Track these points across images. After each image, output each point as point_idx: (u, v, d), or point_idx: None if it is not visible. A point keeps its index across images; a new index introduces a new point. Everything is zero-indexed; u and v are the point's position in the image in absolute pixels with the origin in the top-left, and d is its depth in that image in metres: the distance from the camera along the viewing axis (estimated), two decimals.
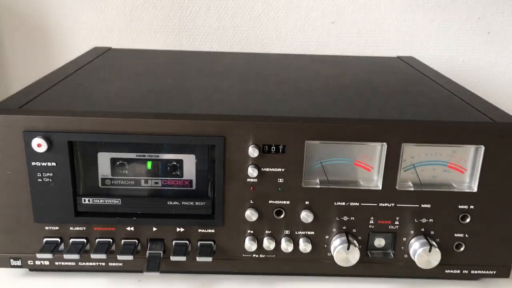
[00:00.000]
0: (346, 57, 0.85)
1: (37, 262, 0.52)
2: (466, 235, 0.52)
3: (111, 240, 0.51)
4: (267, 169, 0.49)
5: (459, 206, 0.51)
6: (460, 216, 0.51)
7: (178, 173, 0.51)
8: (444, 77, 0.70)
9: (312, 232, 0.52)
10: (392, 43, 1.00)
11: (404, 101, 0.57)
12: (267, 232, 0.52)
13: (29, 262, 0.52)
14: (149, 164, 0.51)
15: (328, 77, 0.68)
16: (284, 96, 0.57)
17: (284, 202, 0.50)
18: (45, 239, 0.51)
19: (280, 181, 0.50)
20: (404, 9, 0.98)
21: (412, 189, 0.50)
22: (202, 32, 0.99)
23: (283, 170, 0.49)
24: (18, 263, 0.52)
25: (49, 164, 0.48)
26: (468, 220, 0.51)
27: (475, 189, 0.50)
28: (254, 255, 0.52)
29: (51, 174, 0.49)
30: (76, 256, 0.50)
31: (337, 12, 0.99)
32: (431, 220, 0.51)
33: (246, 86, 0.61)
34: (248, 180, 0.49)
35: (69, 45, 0.97)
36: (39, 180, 0.49)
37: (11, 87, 0.98)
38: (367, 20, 0.99)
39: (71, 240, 0.51)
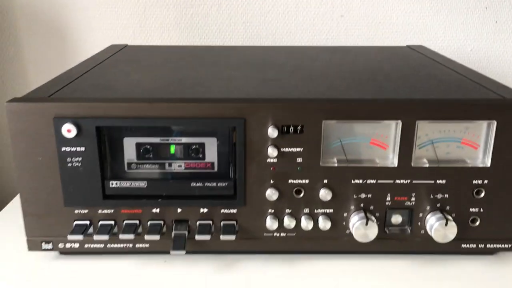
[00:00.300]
0: (356, 47, 0.87)
1: (68, 245, 0.54)
2: (481, 210, 0.53)
3: (138, 222, 0.53)
4: (286, 149, 0.51)
5: (473, 181, 0.52)
6: (475, 191, 0.52)
7: (201, 156, 0.53)
8: (454, 62, 0.71)
9: (331, 210, 0.53)
10: (400, 34, 1.02)
11: (416, 83, 0.59)
12: (287, 211, 0.53)
13: (59, 245, 0.54)
14: (172, 148, 0.53)
15: (340, 64, 0.70)
16: (300, 82, 0.59)
17: (303, 181, 0.52)
18: (75, 222, 0.53)
19: (299, 160, 0.51)
20: (411, 1, 1.00)
21: (427, 165, 0.52)
22: (214, 29, 1.02)
23: (301, 150, 0.51)
24: (49, 246, 0.54)
25: (78, 149, 0.50)
26: (482, 194, 0.53)
27: (488, 164, 0.51)
28: (275, 234, 0.54)
29: (80, 159, 0.51)
30: (106, 237, 0.52)
31: (346, 5, 1.00)
32: (446, 195, 0.53)
33: (262, 74, 0.63)
34: (268, 160, 0.51)
35: (84, 44, 1.00)
36: (69, 165, 0.51)
37: (30, 87, 1.01)
38: (375, 12, 1.01)
39: (100, 222, 0.53)
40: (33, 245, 0.54)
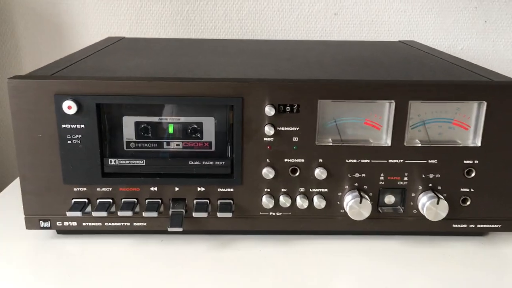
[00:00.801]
0: (350, 41, 0.89)
1: (65, 223, 0.55)
2: (472, 190, 0.55)
3: (135, 200, 0.54)
4: (283, 128, 0.52)
5: (464, 161, 0.54)
6: (466, 170, 0.54)
7: (199, 135, 0.54)
8: (446, 53, 0.73)
9: (326, 190, 0.54)
10: (393, 32, 1.04)
11: (409, 69, 0.60)
12: (283, 190, 0.54)
13: (57, 223, 0.55)
14: (170, 127, 0.54)
15: (334, 54, 0.71)
16: (296, 67, 0.61)
17: (299, 160, 0.53)
18: (73, 200, 0.54)
19: (295, 139, 0.53)
20: (403, 0, 1.02)
21: (419, 145, 0.53)
22: (210, 26, 1.03)
23: (297, 129, 0.52)
24: (47, 224, 0.55)
25: (78, 126, 0.51)
26: (473, 174, 0.54)
27: (478, 144, 0.53)
28: (271, 213, 0.55)
29: (80, 136, 0.52)
30: (104, 214, 0.53)
31: (339, 4, 1.02)
32: (438, 175, 0.54)
33: (259, 61, 0.64)
34: (264, 139, 0.53)
35: (81, 39, 1.01)
36: (69, 142, 0.52)
37: None
38: (368, 11, 1.03)
39: (98, 200, 0.54)
40: (31, 223, 0.55)
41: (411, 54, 0.72)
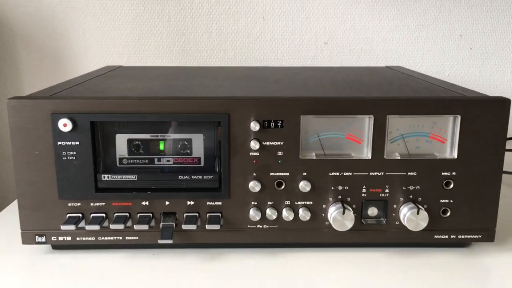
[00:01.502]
0: (337, 68, 0.92)
1: (60, 238, 0.57)
2: (451, 201, 0.57)
3: (128, 214, 0.56)
4: (268, 143, 0.55)
5: (442, 173, 0.56)
6: (444, 182, 0.56)
7: (188, 151, 0.57)
8: (430, 76, 0.76)
9: (311, 202, 0.57)
10: (381, 60, 1.08)
11: (389, 89, 0.63)
12: (269, 203, 0.57)
13: (52, 238, 0.57)
14: (161, 144, 0.57)
15: (321, 78, 0.75)
16: (281, 88, 0.64)
17: (284, 173, 0.56)
18: (68, 215, 0.56)
19: (280, 154, 0.55)
20: (390, 29, 1.07)
21: (399, 157, 0.55)
22: (205, 55, 1.07)
23: (282, 143, 0.55)
24: (43, 239, 0.57)
25: (73, 143, 0.54)
26: (451, 186, 0.56)
27: (455, 156, 0.55)
28: (258, 226, 0.57)
29: (74, 153, 0.54)
30: (97, 227, 0.55)
31: (329, 33, 1.07)
32: (418, 187, 0.56)
33: (247, 83, 0.68)
34: (250, 153, 0.55)
35: (81, 70, 1.05)
36: (64, 158, 0.54)
37: None
38: (357, 40, 1.07)
39: (92, 215, 0.56)
40: (27, 238, 0.57)
41: (394, 77, 0.76)
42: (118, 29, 1.04)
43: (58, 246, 0.59)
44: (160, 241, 0.54)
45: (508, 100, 0.54)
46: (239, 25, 1.06)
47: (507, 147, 0.57)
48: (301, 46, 1.07)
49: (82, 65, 1.05)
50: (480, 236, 0.58)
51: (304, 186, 0.56)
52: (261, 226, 0.57)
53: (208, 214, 0.57)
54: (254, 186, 0.56)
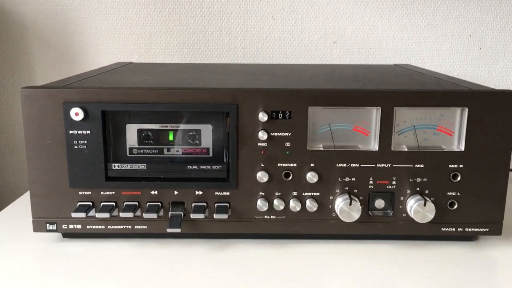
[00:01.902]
0: (345, 65, 0.93)
1: (70, 226, 0.58)
2: (458, 193, 0.57)
3: (137, 203, 0.57)
4: (276, 134, 0.55)
5: (450, 166, 0.56)
6: (451, 175, 0.56)
7: (197, 141, 0.57)
8: (437, 73, 0.77)
9: (318, 193, 0.57)
10: (390, 59, 1.08)
11: (397, 82, 0.64)
12: (277, 193, 0.57)
13: (63, 226, 0.58)
14: (171, 135, 0.57)
15: (329, 73, 0.75)
16: (290, 82, 0.65)
17: (291, 164, 0.56)
18: (78, 203, 0.57)
19: (287, 144, 0.56)
20: (400, 28, 1.07)
21: (406, 149, 0.56)
22: (215, 54, 1.08)
23: (289, 134, 0.55)
24: (53, 227, 0.58)
25: (84, 132, 0.55)
26: (458, 178, 0.56)
27: (462, 149, 0.56)
28: (265, 216, 0.58)
29: (86, 142, 0.55)
30: (107, 215, 0.56)
31: (338, 33, 1.07)
32: (425, 179, 0.56)
33: (256, 77, 0.68)
34: (258, 144, 0.56)
35: (93, 66, 1.06)
36: (75, 147, 0.55)
37: None
38: (366, 39, 1.08)
39: (102, 203, 0.57)
40: (38, 226, 0.58)
41: (402, 73, 0.76)
42: (129, 27, 1.06)
43: (68, 235, 0.60)
44: (168, 230, 0.55)
45: None
46: (248, 24, 1.06)
47: None
48: (310, 45, 1.08)
49: (94, 62, 1.07)
50: (487, 230, 0.58)
51: (311, 177, 0.56)
52: (268, 217, 0.58)
53: (216, 204, 0.57)
54: (262, 176, 0.56)
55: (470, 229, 0.58)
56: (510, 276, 0.53)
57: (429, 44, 1.08)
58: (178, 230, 0.55)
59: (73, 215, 0.56)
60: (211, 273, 0.53)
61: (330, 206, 0.57)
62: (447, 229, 0.58)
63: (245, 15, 1.06)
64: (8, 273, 0.53)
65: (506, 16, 1.07)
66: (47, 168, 0.56)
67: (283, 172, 0.57)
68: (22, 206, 0.68)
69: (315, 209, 0.57)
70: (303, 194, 0.57)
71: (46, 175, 0.56)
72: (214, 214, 0.56)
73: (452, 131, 0.56)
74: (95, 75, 0.68)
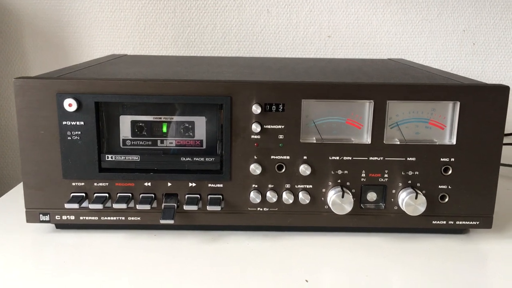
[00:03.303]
0: (339, 59, 0.93)
1: (64, 217, 0.58)
2: (449, 187, 0.57)
3: (130, 195, 0.57)
4: (269, 126, 0.56)
5: (441, 159, 0.57)
6: (443, 168, 0.57)
7: (191, 133, 0.57)
8: (430, 67, 0.77)
9: (310, 186, 0.57)
10: (384, 54, 1.09)
11: (390, 76, 0.64)
12: (270, 186, 0.57)
13: (56, 217, 0.58)
14: (164, 126, 0.57)
15: (323, 67, 0.75)
16: (284, 75, 0.65)
17: (285, 157, 0.57)
18: (72, 194, 0.57)
19: (281, 137, 0.56)
20: (394, 23, 1.07)
21: (398, 142, 0.56)
22: (209, 47, 1.08)
23: (282, 127, 0.56)
24: (47, 218, 0.58)
25: (77, 123, 0.55)
26: (450, 172, 0.57)
27: (454, 142, 0.56)
28: (258, 209, 0.58)
29: (79, 133, 0.55)
30: (100, 206, 0.56)
31: (333, 27, 1.08)
32: (416, 172, 0.57)
33: (250, 70, 0.68)
34: (252, 136, 0.56)
35: (87, 58, 1.06)
36: (69, 138, 0.55)
37: None
38: (360, 33, 1.08)
39: (95, 195, 0.57)
40: (31, 216, 0.58)
41: (396, 67, 0.76)
42: (123, 19, 1.06)
43: (61, 226, 0.60)
44: (161, 221, 0.55)
45: (507, 87, 0.55)
46: (243, 17, 1.06)
47: (504, 142, 0.57)
48: (304, 39, 1.08)
49: (88, 54, 1.06)
50: (477, 223, 0.58)
51: (304, 169, 0.56)
52: (261, 209, 0.58)
53: (209, 196, 0.58)
54: (255, 169, 0.56)
55: (460, 222, 0.58)
56: (499, 269, 0.54)
57: (423, 39, 1.09)
58: (171, 222, 0.55)
59: (66, 206, 0.56)
60: (204, 264, 0.53)
61: (322, 198, 0.58)
62: (438, 222, 0.58)
63: (240, 9, 1.06)
64: (1, 264, 0.53)
65: (500, 12, 1.08)
66: (40, 159, 0.56)
67: (276, 165, 0.57)
68: (15, 197, 0.68)
69: (307, 201, 0.57)
70: (296, 186, 0.58)
71: (39, 166, 0.56)
72: (207, 206, 0.56)
73: (444, 124, 0.57)
74: (88, 67, 0.68)
